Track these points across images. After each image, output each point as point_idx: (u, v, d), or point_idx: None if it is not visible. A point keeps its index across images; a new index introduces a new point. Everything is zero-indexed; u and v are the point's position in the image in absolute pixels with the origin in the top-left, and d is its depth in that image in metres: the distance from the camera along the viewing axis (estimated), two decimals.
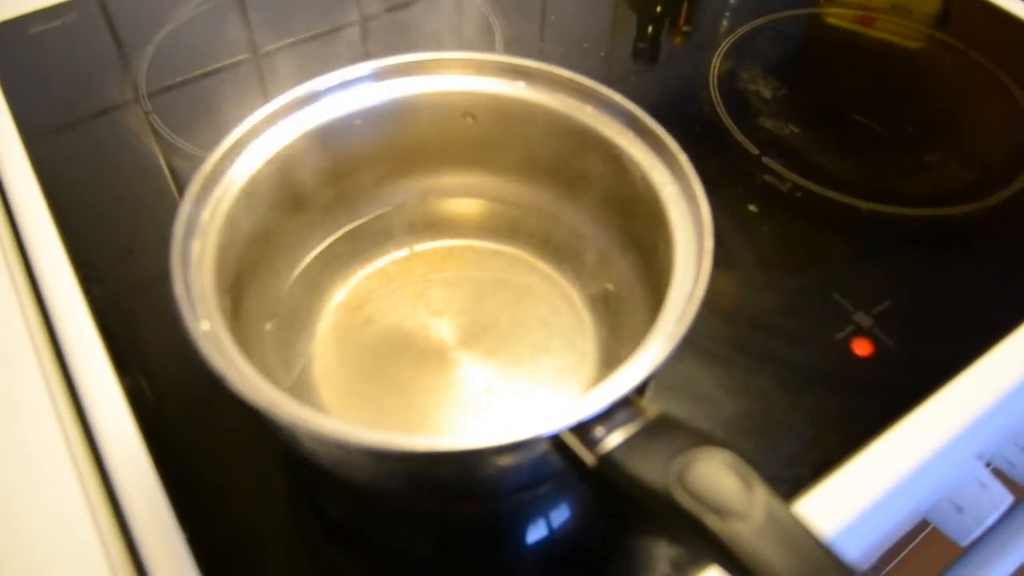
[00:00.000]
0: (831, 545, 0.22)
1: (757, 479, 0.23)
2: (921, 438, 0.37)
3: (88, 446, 0.37)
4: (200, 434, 0.37)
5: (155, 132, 0.50)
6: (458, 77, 0.37)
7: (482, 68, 0.37)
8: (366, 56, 0.55)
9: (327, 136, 0.35)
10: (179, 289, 0.28)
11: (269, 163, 0.34)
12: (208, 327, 0.28)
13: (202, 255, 0.31)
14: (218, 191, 0.32)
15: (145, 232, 0.45)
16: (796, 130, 0.50)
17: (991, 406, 0.38)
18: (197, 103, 0.52)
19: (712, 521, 0.23)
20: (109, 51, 0.56)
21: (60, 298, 0.41)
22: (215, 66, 0.55)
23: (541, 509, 0.35)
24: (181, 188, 0.46)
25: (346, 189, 0.38)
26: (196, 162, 0.47)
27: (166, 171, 0.48)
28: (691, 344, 0.39)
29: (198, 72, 0.54)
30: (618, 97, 0.35)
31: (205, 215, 0.32)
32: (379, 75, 0.35)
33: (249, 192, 0.33)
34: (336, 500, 0.36)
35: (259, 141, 0.34)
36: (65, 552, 0.33)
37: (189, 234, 0.31)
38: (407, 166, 0.39)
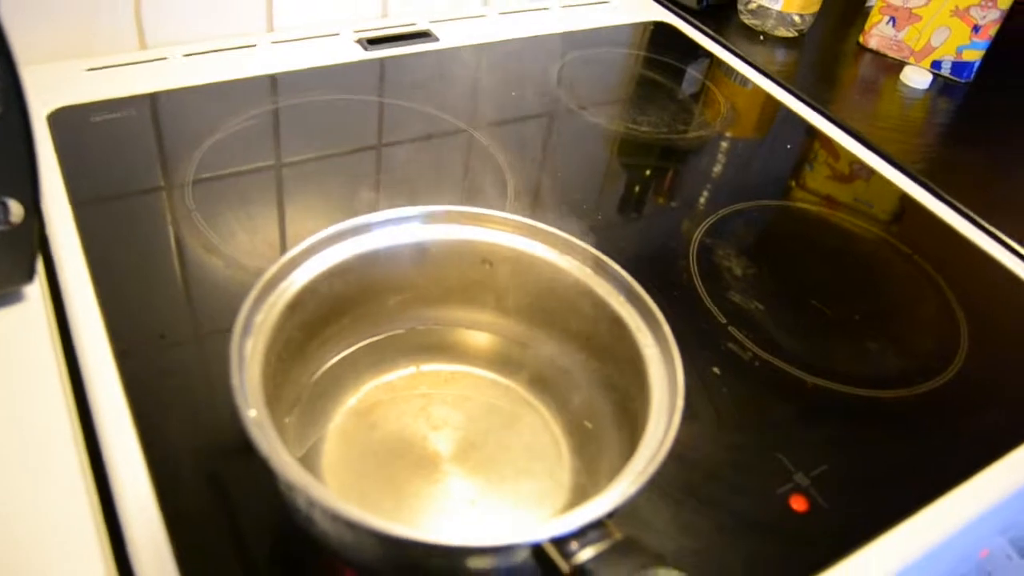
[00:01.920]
0: None
1: None
2: None
3: (101, 496, 0.41)
4: (210, 501, 0.41)
5: (195, 227, 0.56)
6: (483, 229, 0.43)
7: (504, 224, 0.43)
8: (377, 179, 0.63)
9: (369, 263, 0.41)
10: (235, 380, 0.33)
11: (317, 279, 0.40)
12: (255, 414, 0.33)
13: (253, 352, 0.36)
14: (271, 298, 0.38)
15: (176, 321, 0.50)
16: (760, 306, 0.57)
17: (906, 566, 0.44)
18: (232, 202, 0.58)
19: None
20: (162, 146, 0.63)
21: (96, 365, 0.46)
22: (245, 168, 0.61)
23: None
24: (210, 284, 0.52)
25: (370, 309, 0.44)
26: (228, 261, 0.53)
27: (201, 265, 0.53)
28: (653, 482, 0.45)
29: (233, 173, 0.61)
30: (615, 266, 0.42)
31: (259, 318, 0.37)
32: (426, 219, 0.42)
33: (296, 303, 0.39)
34: None
35: (313, 260, 0.40)
36: None
37: (245, 333, 0.36)
38: (426, 296, 0.45)
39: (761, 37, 0.93)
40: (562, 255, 0.43)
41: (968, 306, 0.60)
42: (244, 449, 0.43)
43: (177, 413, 0.45)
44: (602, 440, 0.43)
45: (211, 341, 0.49)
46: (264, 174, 0.62)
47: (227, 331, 0.48)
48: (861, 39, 0.95)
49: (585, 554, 0.31)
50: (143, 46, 0.73)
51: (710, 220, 0.64)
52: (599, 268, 0.42)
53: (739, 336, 0.54)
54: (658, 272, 0.59)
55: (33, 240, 0.46)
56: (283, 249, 0.56)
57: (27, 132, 0.43)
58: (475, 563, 0.32)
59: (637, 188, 0.69)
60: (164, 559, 0.38)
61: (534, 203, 0.64)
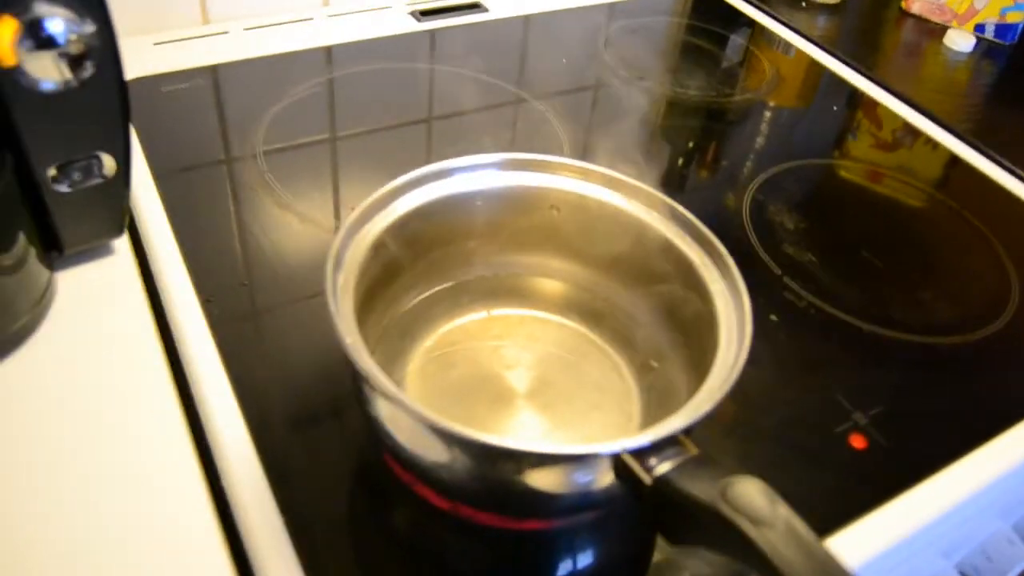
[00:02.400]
0: (831, 550, 0.29)
1: (779, 499, 0.31)
2: (897, 524, 0.44)
3: (199, 446, 0.44)
4: (296, 432, 0.44)
5: (267, 185, 0.58)
6: (551, 176, 0.45)
7: (573, 171, 0.45)
8: (428, 150, 0.65)
9: (446, 208, 0.43)
10: (332, 307, 0.36)
11: (397, 222, 0.42)
12: (351, 340, 0.35)
13: (345, 286, 0.38)
14: (359, 237, 0.40)
15: (256, 271, 0.52)
16: (813, 258, 0.58)
17: (962, 503, 0.45)
18: (299, 165, 0.61)
19: (748, 528, 0.30)
20: (228, 114, 0.65)
21: (185, 316, 0.48)
22: (308, 140, 0.64)
23: (593, 538, 0.41)
24: (285, 237, 0.55)
25: (445, 254, 0.46)
26: (302, 216, 0.56)
27: (276, 221, 0.56)
28: (717, 421, 0.46)
29: (298, 142, 0.63)
30: (680, 208, 0.43)
31: (348, 254, 0.40)
32: (501, 165, 0.44)
33: (379, 243, 0.41)
34: (409, 509, 0.42)
35: (395, 203, 0.42)
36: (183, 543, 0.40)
37: (337, 267, 0.38)
38: (497, 242, 0.47)
39: (803, 3, 0.94)
40: (628, 199, 0.45)
41: (1018, 258, 0.61)
42: (331, 398, 0.46)
43: (265, 361, 0.47)
44: (668, 378, 0.44)
45: (291, 290, 0.51)
46: (324, 144, 0.64)
47: (306, 281, 0.52)
48: (904, 4, 0.95)
49: (664, 466, 0.33)
50: (206, 21, 0.75)
51: (760, 178, 0.66)
52: (663, 210, 0.44)
53: (794, 286, 0.56)
54: (713, 227, 0.60)
55: (124, 194, 0.49)
56: (342, 211, 0.58)
57: (121, 91, 0.45)
58: (559, 476, 0.34)
59: (687, 150, 0.71)
60: (260, 487, 0.41)
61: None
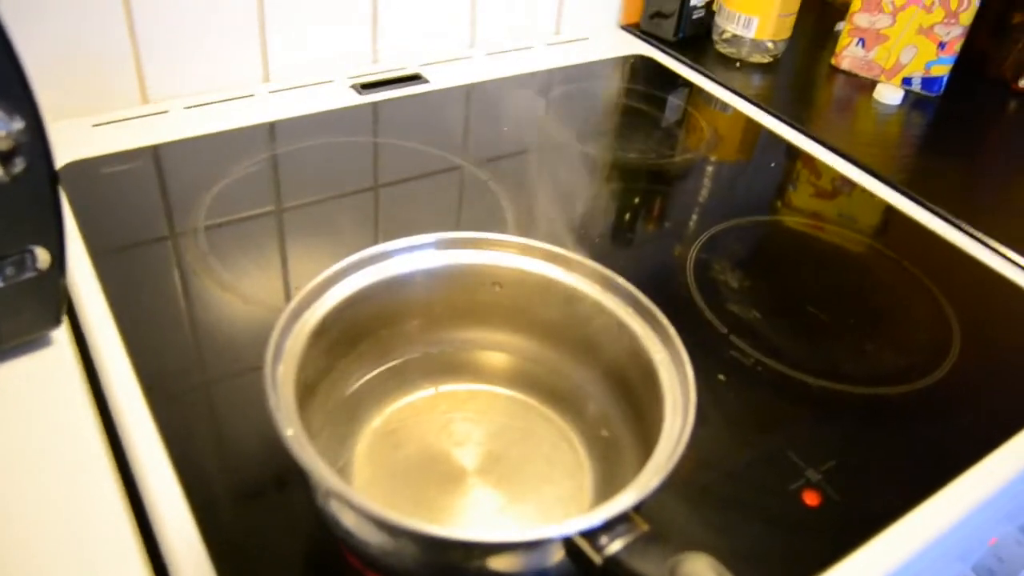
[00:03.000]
0: None
1: None
2: None
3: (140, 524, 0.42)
4: (242, 513, 0.42)
5: (209, 267, 0.58)
6: (492, 253, 0.46)
7: (511, 247, 0.45)
8: (375, 220, 0.65)
9: (387, 290, 0.43)
10: (272, 401, 0.35)
11: (339, 306, 0.42)
12: (292, 432, 0.35)
13: (285, 376, 0.38)
14: (298, 325, 0.40)
15: (200, 356, 0.51)
16: (758, 315, 0.59)
17: (916, 554, 0.45)
18: (242, 243, 0.60)
19: None
20: (171, 194, 0.65)
21: (126, 405, 0.47)
22: (251, 215, 0.63)
23: None
24: (229, 320, 0.54)
25: (389, 333, 0.46)
26: (245, 298, 0.55)
27: (219, 303, 0.55)
28: (669, 487, 0.46)
29: (241, 217, 0.63)
30: (621, 280, 0.44)
31: (288, 344, 0.39)
32: (439, 245, 0.44)
33: (320, 329, 0.41)
34: None
35: (335, 288, 0.42)
36: None
37: (276, 358, 0.38)
38: (441, 319, 0.47)
39: (737, 64, 0.97)
40: (568, 272, 0.45)
41: (957, 304, 0.63)
42: (275, 473, 0.45)
43: (208, 443, 0.46)
44: (619, 447, 0.44)
45: (235, 371, 0.51)
46: (269, 218, 0.64)
47: (249, 362, 0.51)
48: (833, 61, 0.98)
49: (615, 545, 0.33)
50: (145, 100, 0.75)
51: (703, 237, 0.67)
52: (605, 282, 0.44)
53: (741, 344, 0.56)
54: (658, 288, 0.60)
55: (60, 286, 0.48)
56: (291, 285, 0.57)
57: (53, 184, 0.45)
58: (511, 561, 0.34)
59: (630, 212, 0.72)
60: (204, 571, 0.40)
61: (533, 231, 0.66)
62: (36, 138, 0.43)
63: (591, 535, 0.33)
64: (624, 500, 0.34)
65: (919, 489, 0.48)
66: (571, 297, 0.45)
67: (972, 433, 0.53)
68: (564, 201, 0.70)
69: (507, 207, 0.67)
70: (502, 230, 0.64)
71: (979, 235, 0.71)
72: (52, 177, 0.45)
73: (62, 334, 0.51)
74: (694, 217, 0.71)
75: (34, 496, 0.43)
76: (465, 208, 0.69)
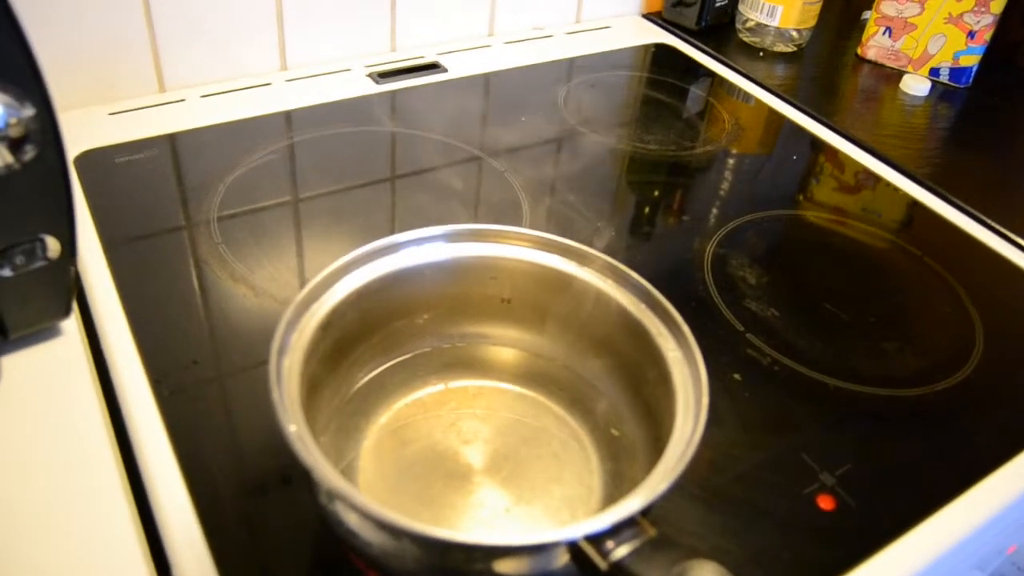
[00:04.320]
0: None
1: None
2: None
3: (143, 516, 0.42)
4: (246, 510, 0.42)
5: (222, 258, 0.57)
6: (503, 246, 0.45)
7: (523, 240, 0.45)
8: (391, 210, 0.65)
9: (396, 283, 0.43)
10: (275, 395, 0.35)
11: (346, 299, 0.41)
12: (295, 429, 0.34)
13: (290, 371, 0.37)
14: (305, 319, 0.40)
15: (208, 348, 0.51)
16: (776, 313, 0.58)
17: (933, 562, 0.44)
18: (256, 234, 0.60)
19: None
20: (186, 183, 0.64)
21: (134, 397, 0.47)
22: (266, 205, 0.63)
23: None
24: (240, 312, 0.54)
25: (398, 328, 0.46)
26: (256, 290, 0.55)
27: (230, 295, 0.55)
28: (680, 488, 0.46)
29: (255, 208, 0.63)
30: (634, 275, 0.43)
31: (293, 338, 0.39)
32: (449, 237, 0.43)
33: (327, 323, 0.40)
34: None
35: (343, 281, 0.41)
36: None
37: (282, 352, 0.37)
38: (451, 314, 0.46)
39: (760, 53, 0.95)
40: (581, 267, 0.44)
41: (980, 303, 0.61)
42: (280, 468, 0.44)
43: (214, 437, 0.46)
44: (630, 446, 0.44)
45: (243, 365, 0.50)
46: (284, 208, 0.63)
47: (259, 356, 0.50)
48: (859, 51, 0.96)
49: (621, 551, 0.32)
50: (162, 89, 0.75)
51: (722, 232, 0.66)
52: (618, 277, 0.43)
53: (757, 343, 0.55)
54: (675, 284, 0.60)
55: (70, 275, 0.48)
56: (305, 277, 0.57)
57: (63, 171, 0.45)
58: (514, 565, 0.33)
59: (649, 205, 0.71)
60: (206, 568, 0.39)
61: (549, 224, 0.65)
62: (47, 126, 0.43)
63: (596, 540, 0.32)
64: (631, 504, 0.33)
65: (937, 495, 0.47)
66: (584, 291, 0.44)
67: (992, 438, 0.51)
68: (582, 193, 0.69)
69: (524, 199, 0.67)
70: (518, 222, 0.63)
71: (1007, 232, 0.69)
72: (63, 165, 0.44)
73: (72, 325, 0.51)
74: (714, 211, 0.69)
75: (39, 486, 0.43)
76: (482, 199, 0.68)
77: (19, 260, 0.46)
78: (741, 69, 0.91)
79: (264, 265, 0.57)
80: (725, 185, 0.73)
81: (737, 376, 0.53)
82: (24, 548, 0.40)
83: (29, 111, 0.42)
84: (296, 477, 0.44)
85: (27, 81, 0.42)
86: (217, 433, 0.46)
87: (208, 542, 0.41)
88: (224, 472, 0.44)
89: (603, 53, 0.91)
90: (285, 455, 0.43)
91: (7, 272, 0.45)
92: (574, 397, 0.46)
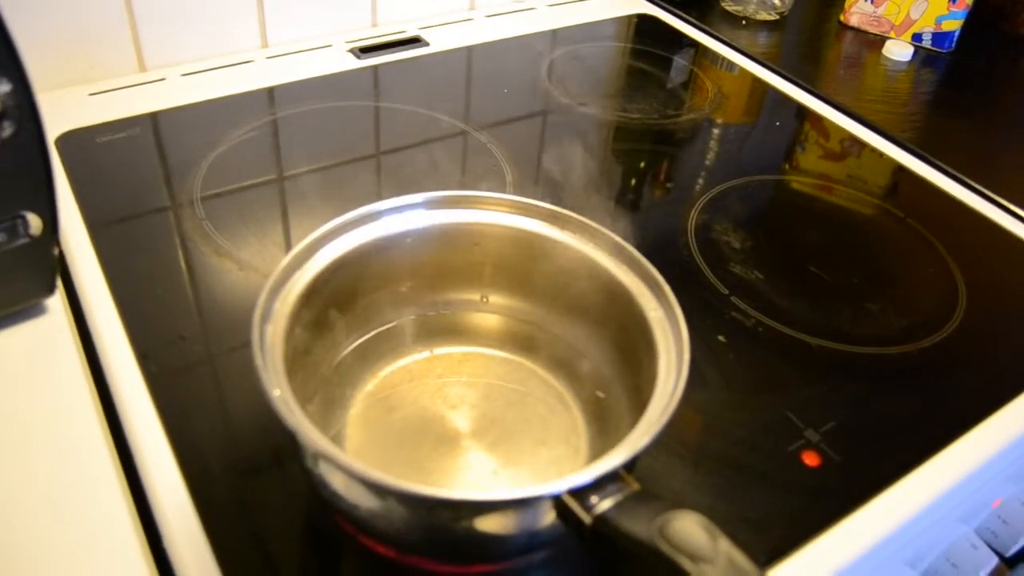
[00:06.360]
0: None
1: (719, 533, 0.30)
2: (857, 539, 0.43)
3: (133, 489, 0.42)
4: (236, 484, 0.43)
5: (206, 234, 0.57)
6: (482, 212, 0.45)
7: (502, 205, 0.45)
8: (377, 183, 0.65)
9: (377, 251, 0.43)
10: (259, 361, 0.35)
11: (329, 267, 0.41)
12: (279, 393, 0.35)
13: (274, 337, 0.37)
14: (288, 286, 0.40)
15: (194, 323, 0.51)
16: (760, 276, 0.58)
17: (917, 515, 0.45)
18: (240, 210, 0.60)
19: (687, 564, 0.29)
20: (168, 161, 0.64)
21: (121, 373, 0.47)
22: (250, 183, 0.63)
23: None
24: (225, 286, 0.54)
25: (381, 296, 0.46)
26: (241, 264, 0.55)
27: (214, 270, 0.55)
28: (666, 448, 0.46)
29: (239, 186, 0.62)
30: (615, 237, 0.43)
31: (276, 305, 0.39)
32: (429, 204, 0.43)
33: (311, 291, 0.40)
34: (355, 560, 0.41)
35: (325, 249, 0.41)
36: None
37: (264, 319, 0.38)
38: (433, 281, 0.47)
39: (743, 22, 0.95)
40: (562, 231, 0.44)
41: (964, 263, 0.62)
42: (269, 443, 0.45)
43: (203, 412, 0.46)
44: (615, 407, 0.44)
45: (231, 341, 0.50)
46: (269, 185, 0.63)
47: (246, 331, 0.50)
48: (842, 17, 0.96)
49: (605, 504, 0.32)
50: (142, 68, 0.75)
51: (706, 198, 0.66)
52: (599, 240, 0.44)
53: (742, 305, 0.56)
54: (659, 250, 0.60)
55: (53, 253, 0.48)
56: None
57: (43, 148, 0.44)
58: (500, 521, 0.34)
59: (633, 173, 0.71)
60: (200, 548, 0.40)
61: (534, 194, 0.65)
62: (25, 101, 0.43)
63: (580, 494, 0.33)
64: (614, 459, 0.33)
65: (921, 449, 0.48)
66: (565, 254, 0.44)
67: (975, 393, 0.52)
68: (566, 163, 0.69)
69: (509, 170, 0.67)
70: (503, 192, 0.63)
71: (990, 193, 0.70)
72: (41, 141, 0.44)
73: (57, 303, 0.51)
74: (699, 178, 0.70)
75: (28, 465, 0.43)
76: (467, 172, 0.68)
77: (1, 238, 0.46)
78: (724, 38, 0.90)
79: (250, 242, 0.57)
80: (709, 153, 0.73)
81: (722, 338, 0.53)
82: (15, 526, 0.40)
83: (5, 87, 0.42)
84: (285, 450, 0.44)
85: (2, 57, 0.42)
86: (206, 407, 0.47)
87: (200, 516, 0.41)
88: (214, 446, 0.44)
89: (585, 24, 0.91)
90: (274, 429, 0.43)
91: None
92: (559, 360, 0.46)
